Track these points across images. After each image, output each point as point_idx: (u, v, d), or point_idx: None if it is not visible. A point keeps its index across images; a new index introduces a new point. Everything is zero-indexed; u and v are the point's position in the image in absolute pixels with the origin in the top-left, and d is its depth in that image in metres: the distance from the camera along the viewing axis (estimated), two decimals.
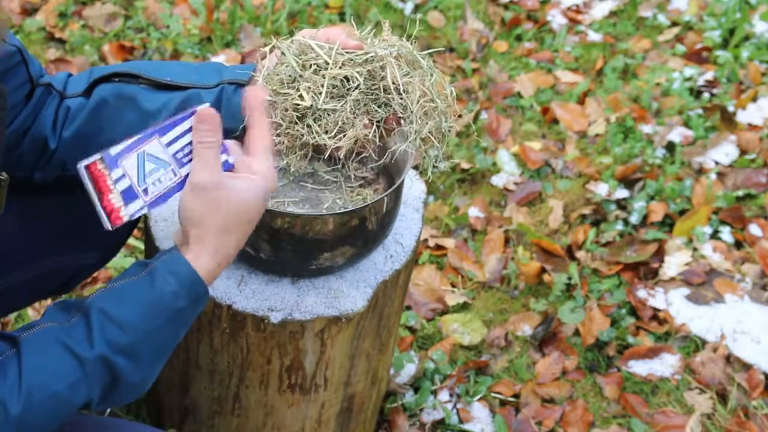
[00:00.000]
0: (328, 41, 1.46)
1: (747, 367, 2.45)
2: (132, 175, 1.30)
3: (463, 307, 2.57)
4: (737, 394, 2.39)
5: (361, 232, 1.65)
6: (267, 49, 1.50)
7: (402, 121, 1.47)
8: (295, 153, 1.45)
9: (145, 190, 1.31)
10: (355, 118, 1.44)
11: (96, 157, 1.29)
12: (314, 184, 1.82)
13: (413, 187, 1.92)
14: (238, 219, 1.33)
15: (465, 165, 2.97)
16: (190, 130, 1.32)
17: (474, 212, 2.82)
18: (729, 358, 2.46)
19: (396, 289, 1.80)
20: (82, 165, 1.29)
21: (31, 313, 2.37)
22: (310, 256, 1.64)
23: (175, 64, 1.60)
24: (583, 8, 3.69)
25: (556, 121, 3.19)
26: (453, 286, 2.63)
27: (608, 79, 3.33)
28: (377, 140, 1.46)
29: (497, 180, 2.95)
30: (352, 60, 1.45)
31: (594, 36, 3.55)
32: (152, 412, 2.15)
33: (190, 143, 1.32)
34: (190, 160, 1.32)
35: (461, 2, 3.61)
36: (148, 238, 1.78)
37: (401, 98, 1.46)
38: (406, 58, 1.48)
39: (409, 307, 2.54)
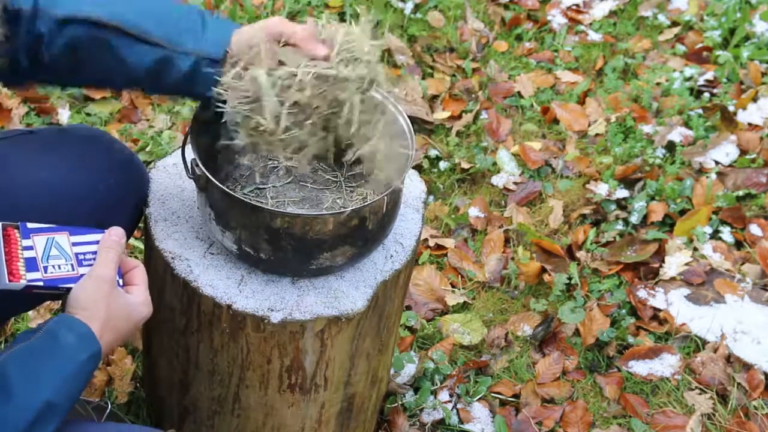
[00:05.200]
0: (296, 43, 1.52)
1: (747, 367, 2.44)
2: (38, 251, 1.43)
3: (463, 307, 2.57)
4: (737, 394, 2.39)
5: (361, 232, 1.64)
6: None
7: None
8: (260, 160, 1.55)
9: (45, 268, 1.42)
10: (312, 136, 1.52)
11: (14, 223, 1.43)
12: (314, 184, 1.82)
13: (413, 187, 1.92)
14: (117, 323, 1.40)
15: (465, 165, 2.96)
16: (96, 243, 1.46)
17: (474, 212, 2.82)
18: (729, 358, 2.46)
19: (396, 289, 1.80)
20: None
21: (32, 314, 2.37)
22: (310, 256, 1.64)
23: (155, 7, 1.59)
24: (583, 8, 3.69)
25: (556, 121, 3.18)
26: (453, 286, 2.63)
27: (608, 79, 3.33)
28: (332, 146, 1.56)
29: (497, 180, 2.95)
30: (318, 76, 1.50)
31: (594, 36, 3.55)
32: (152, 412, 2.15)
33: (94, 253, 1.45)
34: (89, 265, 1.44)
35: (461, 2, 3.61)
36: (147, 238, 1.78)
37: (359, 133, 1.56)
38: (372, 77, 1.54)
39: (409, 307, 2.54)
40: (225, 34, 1.57)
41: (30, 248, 1.42)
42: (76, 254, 1.45)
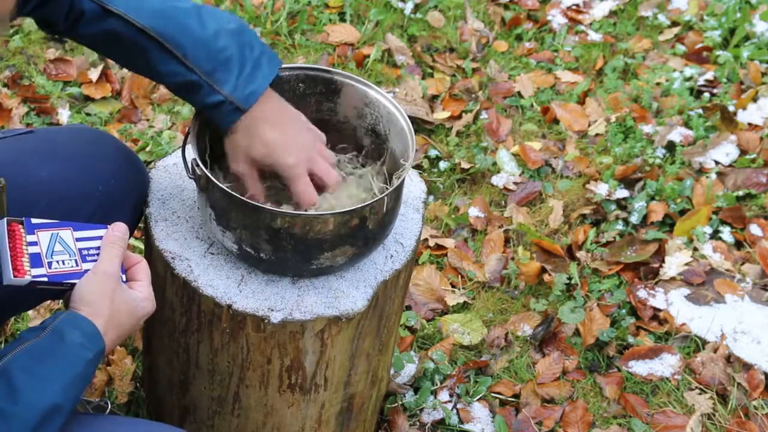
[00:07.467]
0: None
1: (747, 367, 2.44)
2: (43, 247, 1.43)
3: (463, 307, 2.57)
4: (737, 394, 2.39)
5: (361, 232, 1.64)
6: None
7: None
8: None
9: (50, 263, 1.42)
10: None
11: (19, 219, 1.43)
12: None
13: (413, 187, 1.92)
14: (121, 319, 1.41)
15: (465, 165, 2.96)
16: (99, 238, 1.46)
17: (474, 212, 2.82)
18: (729, 358, 2.46)
19: (396, 289, 1.80)
20: (4, 220, 1.42)
21: (32, 313, 2.37)
22: (310, 256, 1.64)
23: (198, 32, 1.58)
24: (583, 8, 3.69)
25: (556, 121, 3.18)
26: (453, 286, 2.63)
27: (608, 79, 3.33)
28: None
29: (497, 180, 2.95)
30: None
31: (594, 36, 3.55)
32: (152, 411, 2.15)
33: (97, 249, 1.46)
34: (93, 261, 1.44)
35: (461, 2, 3.61)
36: (147, 238, 1.78)
37: None
38: None
39: (409, 307, 2.54)
40: (260, 85, 1.60)
41: (35, 244, 1.42)
42: (80, 250, 1.45)
